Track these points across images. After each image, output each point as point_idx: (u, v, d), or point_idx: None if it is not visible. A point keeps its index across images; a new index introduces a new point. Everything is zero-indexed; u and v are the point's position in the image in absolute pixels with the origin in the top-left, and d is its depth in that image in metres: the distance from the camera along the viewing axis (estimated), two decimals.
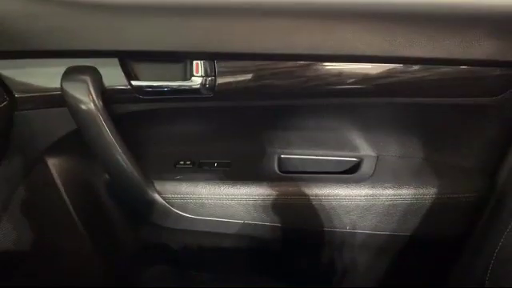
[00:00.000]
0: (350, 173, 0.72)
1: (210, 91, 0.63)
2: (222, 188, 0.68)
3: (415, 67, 0.61)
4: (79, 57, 0.61)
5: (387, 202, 0.66)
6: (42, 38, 0.58)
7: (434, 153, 0.71)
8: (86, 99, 0.60)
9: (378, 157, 0.73)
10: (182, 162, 0.73)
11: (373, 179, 0.69)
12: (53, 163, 0.68)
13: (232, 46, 0.60)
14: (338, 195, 0.66)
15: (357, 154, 0.74)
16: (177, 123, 0.72)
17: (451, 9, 0.59)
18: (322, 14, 0.59)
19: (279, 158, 0.75)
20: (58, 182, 0.69)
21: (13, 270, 0.77)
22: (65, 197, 0.70)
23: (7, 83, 0.62)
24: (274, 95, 0.65)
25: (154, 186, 0.67)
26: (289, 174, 0.72)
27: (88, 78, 0.60)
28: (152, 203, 0.67)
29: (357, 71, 0.62)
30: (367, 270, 0.76)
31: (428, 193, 0.66)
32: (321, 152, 0.74)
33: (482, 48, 0.58)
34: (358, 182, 0.68)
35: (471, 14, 0.58)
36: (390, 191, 0.66)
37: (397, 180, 0.68)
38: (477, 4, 0.59)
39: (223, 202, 0.68)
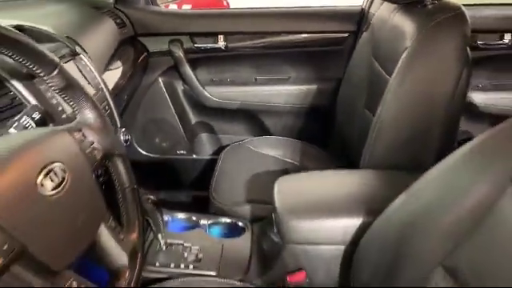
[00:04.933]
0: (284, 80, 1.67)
1: (225, 48, 1.58)
2: (232, 88, 1.64)
3: (298, 36, 1.57)
4: (174, 35, 1.56)
5: (295, 92, 1.61)
6: (158, 27, 1.54)
7: (312, 74, 1.65)
8: (179, 50, 1.56)
9: (289, 77, 1.67)
10: (212, 79, 1.68)
11: (290, 82, 1.64)
12: (162, 80, 1.64)
13: (232, 29, 1.56)
14: (277, 90, 1.62)
15: (285, 75, 1.68)
16: (211, 62, 1.67)
17: (306, 11, 1.54)
18: (263, 16, 1.55)
19: (255, 78, 1.69)
20: (164, 90, 1.65)
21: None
22: (167, 96, 1.66)
23: (145, 45, 1.58)
24: (252, 49, 1.60)
25: (204, 88, 1.63)
26: (262, 82, 1.68)
27: (179, 43, 1.55)
28: (201, 94, 1.63)
29: (276, 38, 1.58)
30: (285, 125, 1.71)
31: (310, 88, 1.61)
32: (272, 75, 1.68)
33: (319, 25, 1.54)
34: (285, 84, 1.64)
35: (308, 13, 1.53)
36: (294, 87, 1.61)
37: (295, 83, 1.62)
38: (312, 8, 1.54)
39: (232, 91, 1.64)
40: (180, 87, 1.67)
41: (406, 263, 0.67)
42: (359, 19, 1.51)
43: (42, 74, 0.59)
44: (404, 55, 1.00)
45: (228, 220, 1.11)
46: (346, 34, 1.55)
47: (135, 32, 1.54)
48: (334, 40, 1.57)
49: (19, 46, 0.55)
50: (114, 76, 1.34)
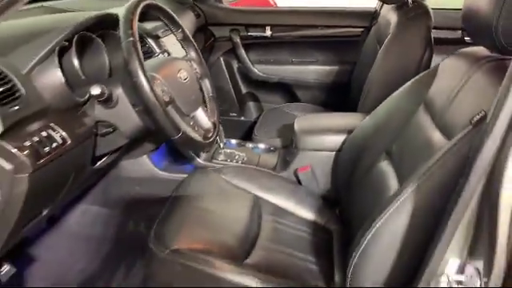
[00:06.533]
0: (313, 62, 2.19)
1: (271, 36, 2.13)
2: (274, 67, 2.18)
3: (326, 29, 2.09)
4: (233, 26, 2.13)
5: (321, 71, 2.13)
6: (223, 19, 2.12)
7: (335, 58, 2.15)
8: (237, 37, 2.13)
9: (317, 60, 2.19)
10: (260, 59, 2.22)
11: (318, 63, 2.15)
12: (222, 59, 2.22)
13: (276, 22, 2.12)
14: (308, 69, 2.14)
15: (314, 58, 2.19)
16: (260, 47, 2.22)
17: (331, 10, 2.06)
18: (300, 13, 2.09)
19: (292, 60, 2.22)
20: (224, 66, 2.23)
21: None
22: (225, 72, 2.24)
23: (213, 32, 2.16)
24: (290, 37, 2.14)
25: (253, 66, 2.18)
26: (297, 63, 2.21)
27: (237, 32, 2.12)
28: (250, 70, 2.19)
29: (309, 30, 2.11)
30: (313, 95, 2.23)
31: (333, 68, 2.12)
32: (304, 58, 2.21)
33: (342, 21, 2.06)
34: (314, 65, 2.16)
35: (334, 11, 2.05)
36: (321, 67, 2.13)
37: (322, 65, 2.14)
38: (336, 8, 2.06)
39: (274, 69, 2.18)
40: (235, 65, 2.24)
41: (366, 152, 1.18)
42: (372, 17, 2.01)
43: (174, 30, 1.16)
44: (388, 38, 1.50)
45: (264, 146, 1.65)
46: (362, 29, 2.05)
47: (206, 22, 2.12)
48: (352, 33, 2.07)
49: (167, 14, 1.13)
50: None
